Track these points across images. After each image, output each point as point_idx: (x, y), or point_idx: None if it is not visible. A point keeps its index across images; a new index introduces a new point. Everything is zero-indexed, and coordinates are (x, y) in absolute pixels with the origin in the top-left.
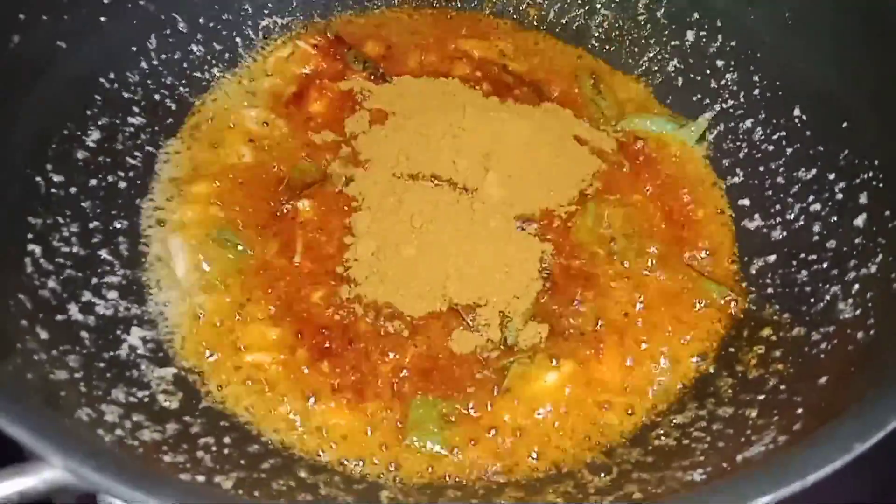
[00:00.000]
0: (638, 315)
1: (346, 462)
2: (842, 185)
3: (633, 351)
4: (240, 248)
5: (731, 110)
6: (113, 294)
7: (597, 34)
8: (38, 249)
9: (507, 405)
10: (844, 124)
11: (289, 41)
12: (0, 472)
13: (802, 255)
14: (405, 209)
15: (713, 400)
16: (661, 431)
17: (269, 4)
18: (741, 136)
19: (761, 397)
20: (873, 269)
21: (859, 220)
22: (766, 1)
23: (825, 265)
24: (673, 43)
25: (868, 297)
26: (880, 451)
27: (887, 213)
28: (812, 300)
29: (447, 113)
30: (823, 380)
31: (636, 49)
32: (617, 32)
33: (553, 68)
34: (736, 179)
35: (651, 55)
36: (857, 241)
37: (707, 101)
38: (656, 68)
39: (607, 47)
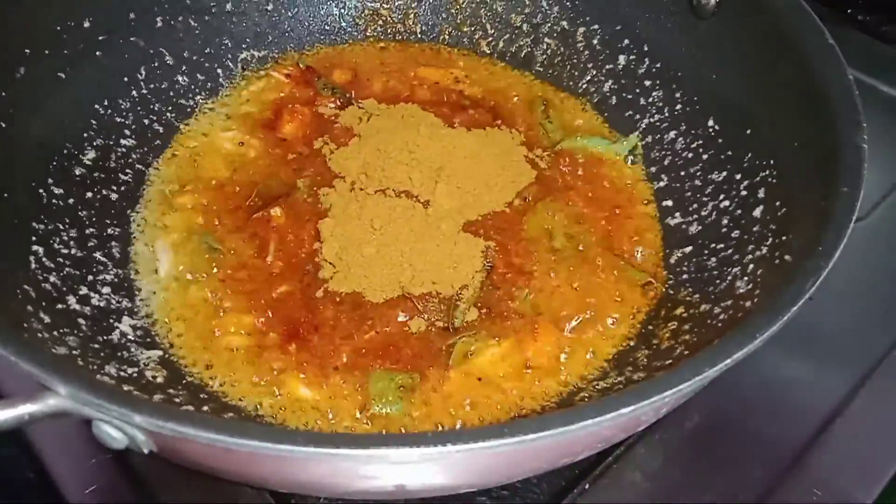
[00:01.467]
0: (570, 299)
1: (313, 428)
2: (745, 183)
3: (564, 330)
4: (218, 249)
5: (657, 124)
6: (106, 289)
7: (541, 60)
8: (40, 250)
9: (455, 376)
10: (748, 131)
11: (264, 71)
12: (14, 398)
13: (713, 245)
14: (366, 215)
15: (630, 368)
16: (585, 395)
17: (247, 39)
18: (666, 146)
19: (669, 362)
20: (764, 250)
21: (757, 212)
22: (685, 29)
23: (730, 252)
24: (607, 66)
25: (758, 273)
26: None
27: (778, 203)
28: (717, 281)
29: (405, 132)
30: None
31: (576, 73)
32: (559, 58)
33: (503, 91)
34: (661, 183)
35: (589, 77)
36: (754, 229)
37: (637, 116)
38: (594, 89)
39: (551, 71)
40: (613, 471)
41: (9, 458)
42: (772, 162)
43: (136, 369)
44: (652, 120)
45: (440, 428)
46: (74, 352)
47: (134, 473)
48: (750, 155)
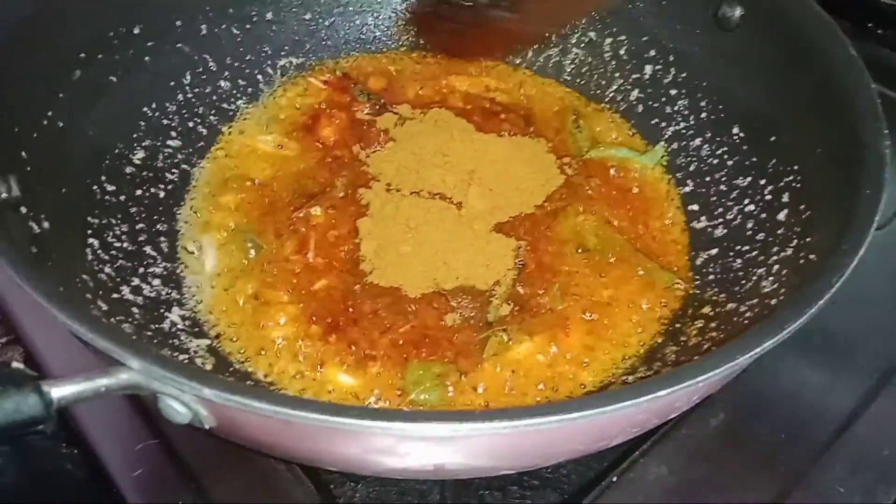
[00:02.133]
0: (599, 297)
1: None
2: (770, 188)
3: (594, 327)
4: (260, 246)
5: (682, 131)
6: (156, 281)
7: (569, 69)
8: (95, 242)
9: (489, 368)
10: (772, 138)
11: (303, 78)
12: (91, 372)
13: (738, 247)
14: (402, 215)
15: (659, 363)
16: (615, 388)
17: (286, 47)
18: (691, 153)
19: (696, 357)
20: (789, 251)
21: (781, 215)
22: (710, 40)
23: (755, 253)
24: (634, 76)
25: (783, 273)
26: None
27: (802, 206)
28: (743, 281)
29: (438, 137)
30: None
31: (603, 82)
32: (587, 68)
33: (533, 100)
34: (687, 188)
35: (616, 86)
36: (779, 231)
37: (663, 124)
38: (620, 97)
39: (579, 80)
40: (640, 465)
41: (55, 446)
42: (795, 167)
43: (186, 356)
44: (678, 128)
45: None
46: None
47: (179, 458)
48: (774, 161)
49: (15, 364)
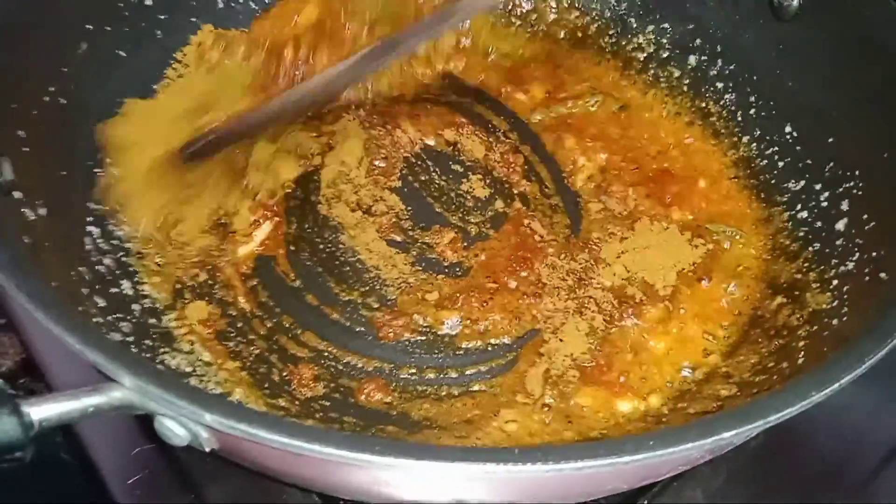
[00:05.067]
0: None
1: None
2: (826, 194)
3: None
4: None
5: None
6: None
7: None
8: (96, 231)
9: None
10: (830, 139)
11: None
12: (78, 390)
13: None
14: None
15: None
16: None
17: None
18: None
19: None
20: (850, 266)
21: (840, 225)
22: (763, 30)
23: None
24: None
25: (844, 290)
26: None
27: (865, 216)
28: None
29: None
30: (801, 360)
31: None
32: None
33: None
34: None
35: None
36: (837, 242)
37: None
38: None
39: None
40: (673, 489)
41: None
42: (857, 172)
43: (190, 362)
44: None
45: None
46: (128, 338)
47: (178, 465)
48: (832, 164)
49: None
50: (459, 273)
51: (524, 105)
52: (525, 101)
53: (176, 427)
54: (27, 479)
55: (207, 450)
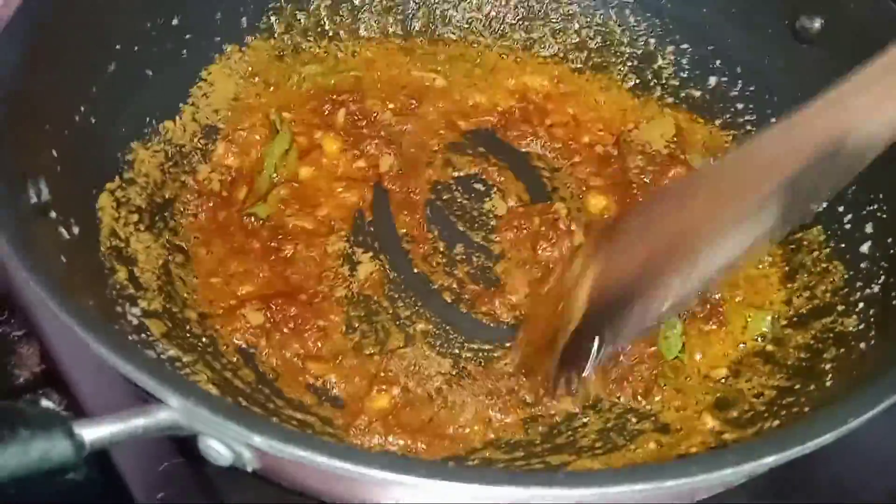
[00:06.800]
0: None
1: None
2: (849, 216)
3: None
4: None
5: None
6: None
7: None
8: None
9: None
10: None
11: None
12: (127, 411)
13: None
14: None
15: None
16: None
17: None
18: None
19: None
20: (876, 289)
21: (864, 248)
22: (783, 52)
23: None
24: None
25: (871, 313)
26: None
27: (890, 239)
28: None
29: None
30: (829, 382)
31: None
32: None
33: None
34: None
35: None
36: (862, 265)
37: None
38: None
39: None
40: None
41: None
42: (881, 195)
43: (218, 371)
44: None
45: None
46: (162, 356)
47: (206, 480)
48: (854, 187)
49: (44, 402)
50: None
51: None
52: None
53: (221, 448)
54: (56, 495)
55: (249, 469)
